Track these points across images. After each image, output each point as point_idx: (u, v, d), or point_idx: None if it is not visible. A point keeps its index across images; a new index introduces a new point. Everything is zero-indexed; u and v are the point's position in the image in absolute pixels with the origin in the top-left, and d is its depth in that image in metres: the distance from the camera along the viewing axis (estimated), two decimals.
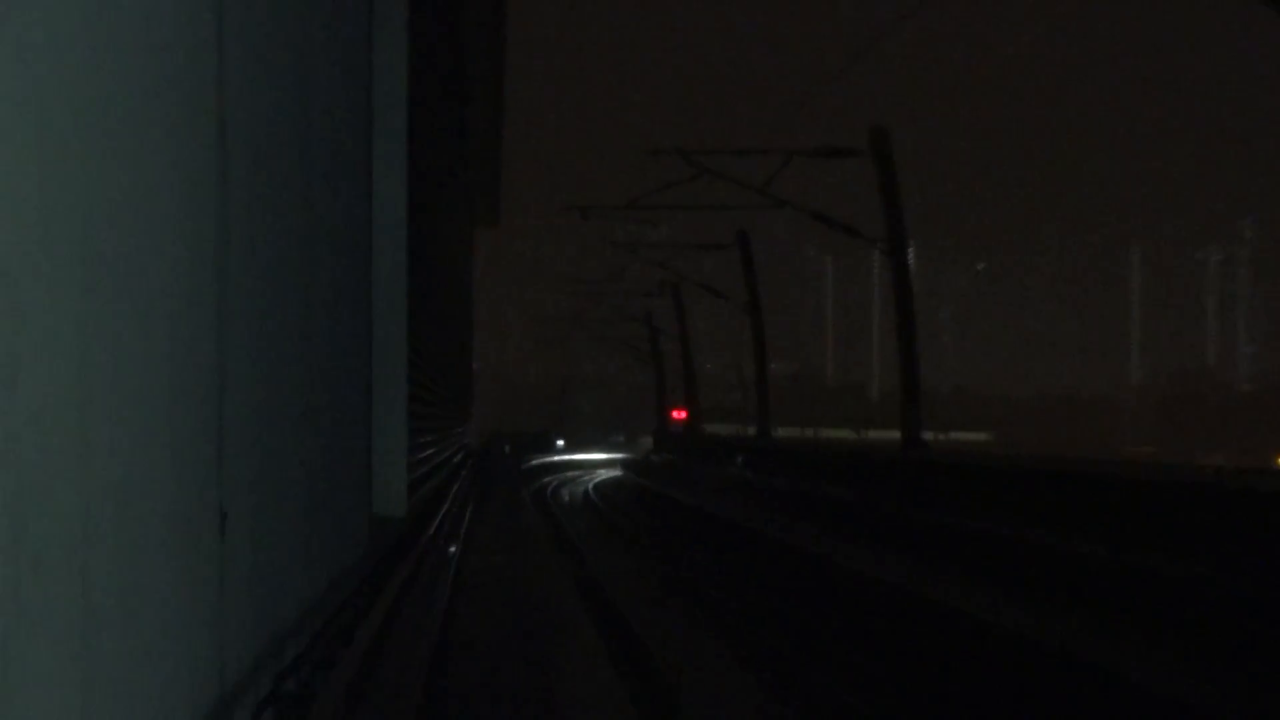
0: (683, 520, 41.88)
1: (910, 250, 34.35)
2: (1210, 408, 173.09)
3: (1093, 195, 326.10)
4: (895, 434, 34.17)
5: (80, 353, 3.52)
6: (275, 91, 6.29)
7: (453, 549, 22.15)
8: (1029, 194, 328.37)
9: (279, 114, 6.41)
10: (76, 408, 3.49)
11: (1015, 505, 22.30)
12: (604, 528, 45.03)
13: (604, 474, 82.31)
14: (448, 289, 29.59)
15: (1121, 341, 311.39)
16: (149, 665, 4.14)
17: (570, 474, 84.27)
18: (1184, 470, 21.83)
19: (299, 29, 7.10)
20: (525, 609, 18.10)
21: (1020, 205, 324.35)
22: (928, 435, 32.69)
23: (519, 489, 57.08)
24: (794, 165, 35.98)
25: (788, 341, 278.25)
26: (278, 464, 6.33)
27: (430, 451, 21.77)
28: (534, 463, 79.98)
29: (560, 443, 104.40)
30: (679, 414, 76.69)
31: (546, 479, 75.11)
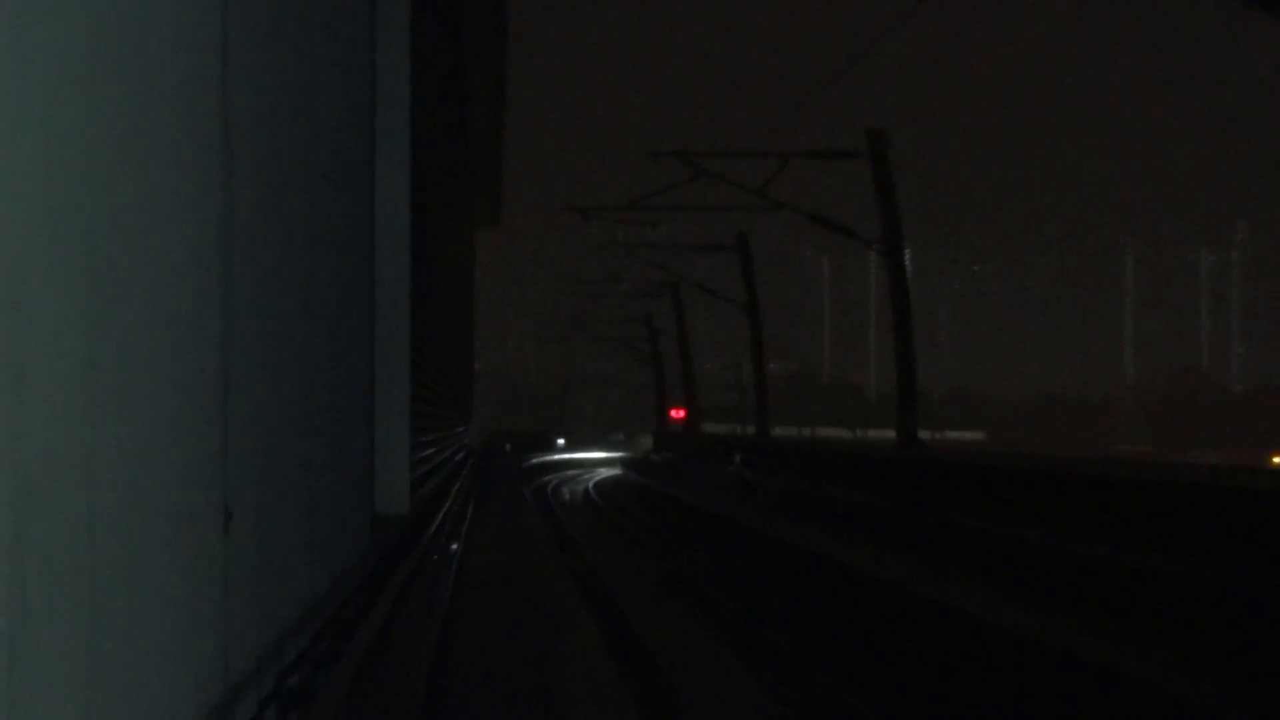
0: (682, 519, 41.91)
1: (907, 251, 34.40)
2: (1205, 408, 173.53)
3: (1089, 197, 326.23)
4: (892, 433, 34.19)
5: (86, 354, 3.54)
6: (279, 94, 6.32)
7: (454, 547, 22.17)
8: (1025, 195, 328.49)
9: (283, 116, 6.44)
10: (82, 408, 3.51)
11: (1012, 504, 22.32)
12: (604, 526, 45.05)
13: (604, 473, 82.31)
14: (449, 289, 29.62)
15: (1116, 342, 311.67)
16: (154, 662, 4.17)
17: (570, 473, 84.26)
18: (1179, 470, 21.86)
19: (302, 32, 7.13)
20: (526, 607, 18.12)
21: (1016, 207, 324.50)
22: (923, 435, 32.79)
23: (520, 487, 57.10)
24: (792, 167, 36.06)
25: (786, 342, 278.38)
26: (281, 463, 6.36)
27: (432, 451, 21.79)
28: (534, 461, 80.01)
29: (560, 442, 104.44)
30: (677, 413, 76.78)
31: (547, 478, 75.10)
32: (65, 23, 3.35)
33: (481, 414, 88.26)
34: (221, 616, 5.04)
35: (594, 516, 50.09)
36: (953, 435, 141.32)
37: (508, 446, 74.75)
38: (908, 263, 33.66)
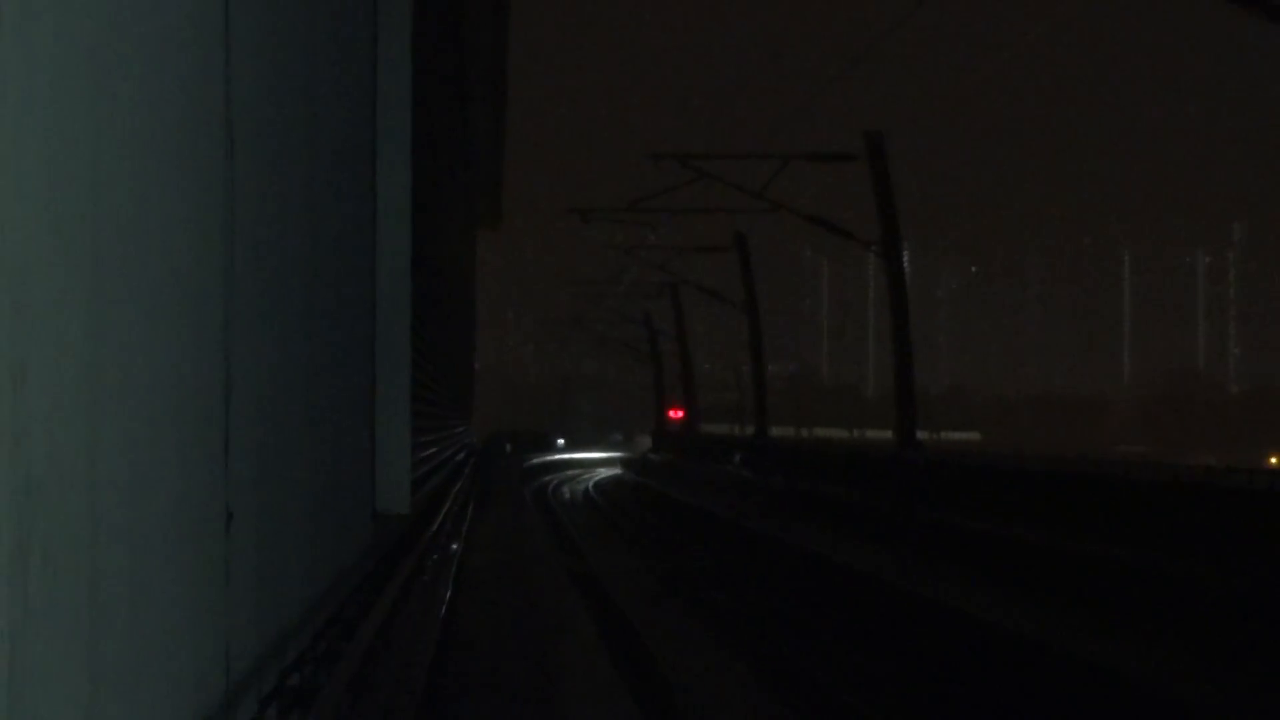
0: (681, 518, 41.92)
1: (905, 253, 34.46)
2: (1201, 409, 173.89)
3: (1087, 198, 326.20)
4: (890, 434, 34.24)
5: (88, 353, 3.56)
6: (282, 95, 6.33)
7: (454, 546, 22.18)
8: (1023, 196, 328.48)
9: (285, 117, 6.46)
10: (85, 408, 3.53)
11: (1011, 505, 22.33)
12: (604, 526, 45.07)
13: (603, 472, 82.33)
14: (450, 290, 29.64)
15: (1114, 343, 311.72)
16: (155, 661, 4.18)
17: (570, 472, 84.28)
18: (1177, 470, 21.87)
19: (304, 33, 7.15)
20: (526, 607, 18.14)
21: (1014, 208, 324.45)
22: (920, 435, 32.83)
23: (520, 487, 57.10)
24: (791, 169, 36.09)
25: (785, 342, 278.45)
26: (282, 463, 6.37)
27: (433, 450, 21.80)
28: (534, 461, 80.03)
29: (561, 442, 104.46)
30: (675, 413, 76.82)
31: (547, 477, 75.13)
32: (68, 23, 3.37)
33: (482, 414, 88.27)
34: (223, 616, 5.05)
35: (594, 516, 50.10)
36: (948, 436, 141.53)
37: (508, 446, 74.76)
38: (906, 264, 33.71)
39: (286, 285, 6.52)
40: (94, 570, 3.59)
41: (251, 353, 5.60)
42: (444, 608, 14.53)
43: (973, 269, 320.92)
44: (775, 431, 56.35)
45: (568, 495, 64.56)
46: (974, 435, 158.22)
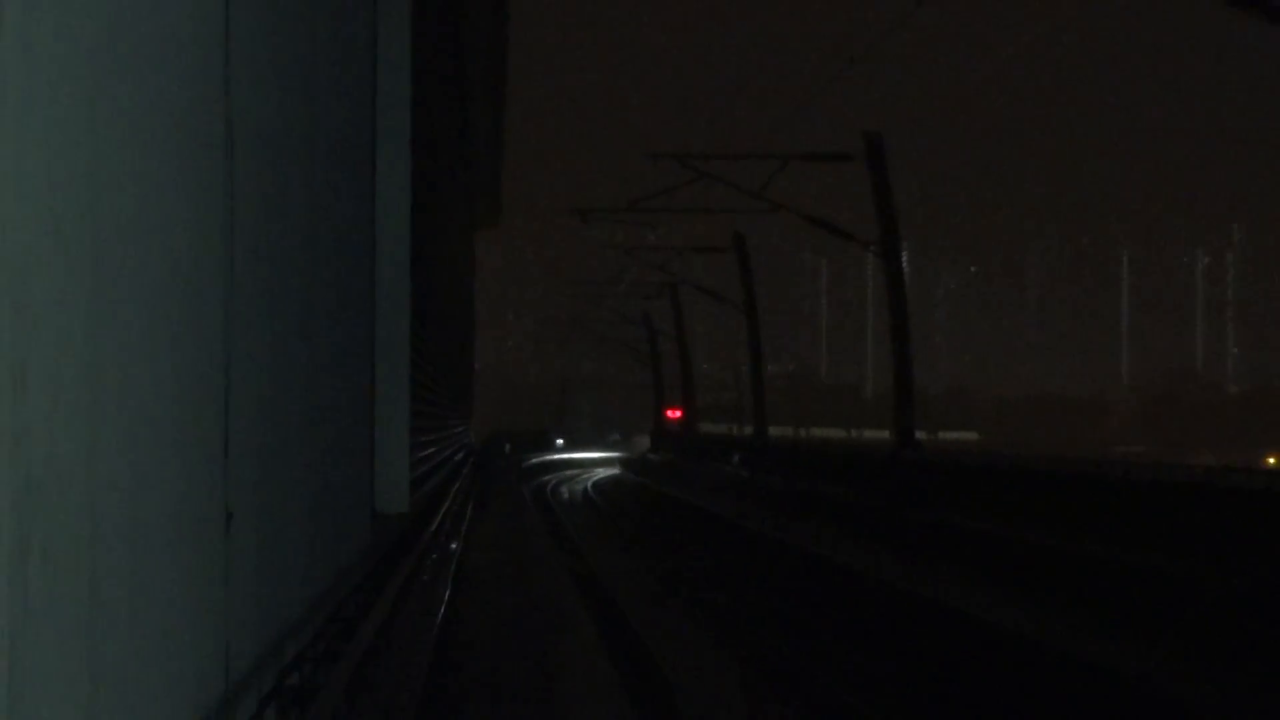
0: (680, 518, 41.92)
1: (904, 253, 34.57)
2: (1199, 408, 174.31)
3: (1085, 198, 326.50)
4: (887, 433, 34.37)
5: (89, 354, 3.56)
6: (281, 95, 6.34)
7: (454, 546, 22.19)
8: (1022, 196, 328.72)
9: (285, 117, 6.46)
10: (85, 408, 3.53)
11: (1007, 503, 22.34)
12: (603, 526, 45.08)
13: (602, 472, 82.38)
14: (449, 289, 29.64)
15: (1113, 343, 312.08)
16: (155, 661, 4.19)
17: (569, 472, 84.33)
18: (1176, 469, 21.89)
19: (304, 33, 7.15)
20: (526, 607, 18.14)
21: (1013, 207, 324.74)
22: (918, 435, 32.91)
23: (519, 487, 57.13)
24: (790, 169, 36.12)
25: (784, 342, 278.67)
26: (282, 463, 6.37)
27: (432, 450, 21.81)
28: (533, 461, 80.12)
29: (559, 442, 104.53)
30: (673, 413, 76.92)
31: (546, 477, 75.18)
32: (69, 23, 3.37)
33: (481, 414, 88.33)
34: (222, 615, 5.06)
35: (592, 516, 50.11)
36: (945, 435, 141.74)
37: (507, 446, 74.87)
38: (904, 264, 33.80)
39: (286, 285, 6.52)
40: (94, 570, 3.59)
41: (251, 353, 5.60)
42: (443, 607, 14.54)
43: (972, 269, 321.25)
44: (774, 431, 56.45)
45: (566, 495, 64.58)
46: (971, 435, 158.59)
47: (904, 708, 16.43)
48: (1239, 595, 14.89)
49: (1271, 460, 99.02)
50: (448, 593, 16.00)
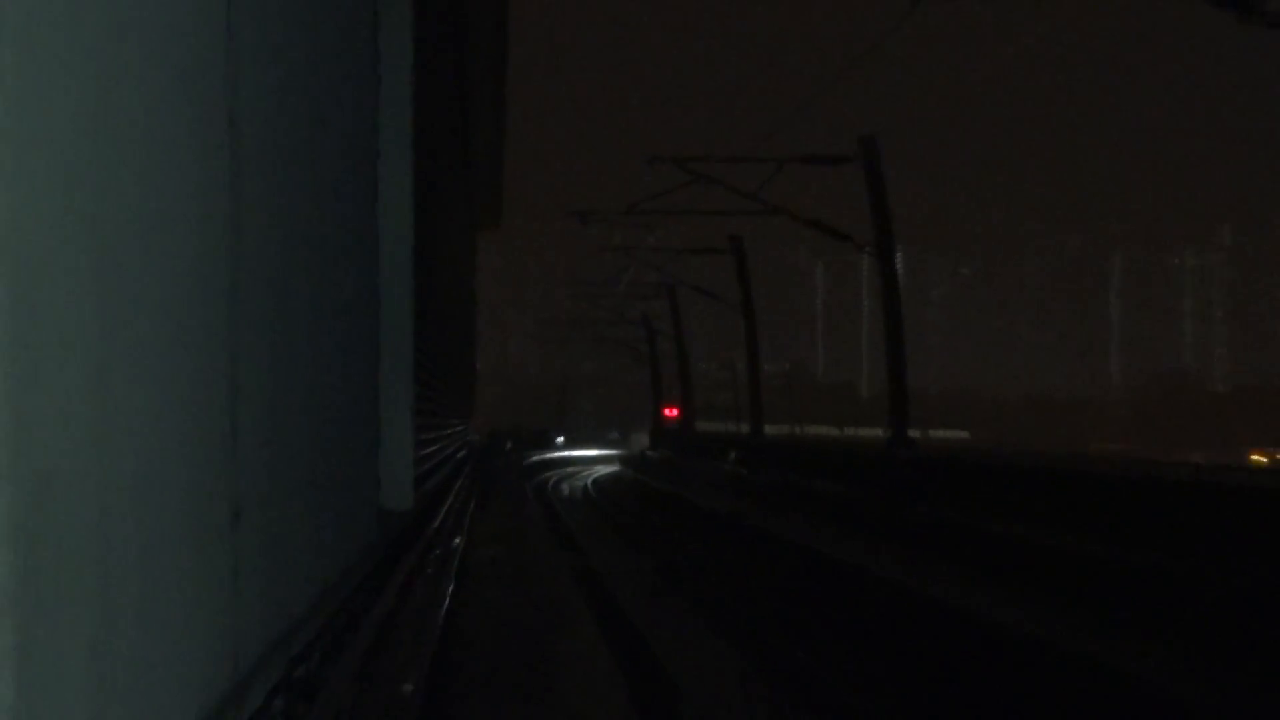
0: (679, 515, 41.98)
1: (898, 254, 34.70)
2: (1187, 407, 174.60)
3: (1076, 199, 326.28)
4: (880, 431, 34.48)
5: (98, 352, 3.60)
6: (285, 97, 6.38)
7: (456, 541, 22.26)
8: (1014, 198, 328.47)
9: (289, 119, 6.50)
10: (95, 406, 3.57)
11: (1005, 502, 22.37)
12: (603, 522, 45.13)
13: (602, 470, 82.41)
14: (451, 290, 29.66)
15: (1102, 343, 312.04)
16: (164, 655, 4.24)
17: (569, 470, 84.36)
18: (1163, 467, 21.93)
19: (307, 35, 7.19)
20: (526, 602, 18.19)
21: (1004, 210, 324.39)
22: (913, 433, 33.06)
23: (520, 484, 57.16)
24: (787, 171, 36.21)
25: (780, 342, 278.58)
26: (289, 460, 6.42)
27: (435, 448, 21.86)
28: (534, 459, 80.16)
29: (560, 440, 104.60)
30: (670, 412, 77.02)
31: (546, 474, 75.22)
32: (70, 23, 3.41)
33: (483, 412, 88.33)
34: (230, 610, 5.11)
35: (592, 512, 50.17)
36: (937, 434, 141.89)
37: (508, 444, 74.93)
38: (899, 265, 33.93)
39: (292, 286, 6.56)
40: (104, 568, 3.64)
41: (258, 352, 5.64)
42: (447, 601, 14.60)
43: (964, 271, 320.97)
44: (770, 429, 56.49)
45: (566, 491, 64.60)
46: (963, 434, 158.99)
47: (903, 706, 16.47)
48: (1240, 594, 14.93)
49: (1254, 457, 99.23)
50: (451, 587, 16.06)
